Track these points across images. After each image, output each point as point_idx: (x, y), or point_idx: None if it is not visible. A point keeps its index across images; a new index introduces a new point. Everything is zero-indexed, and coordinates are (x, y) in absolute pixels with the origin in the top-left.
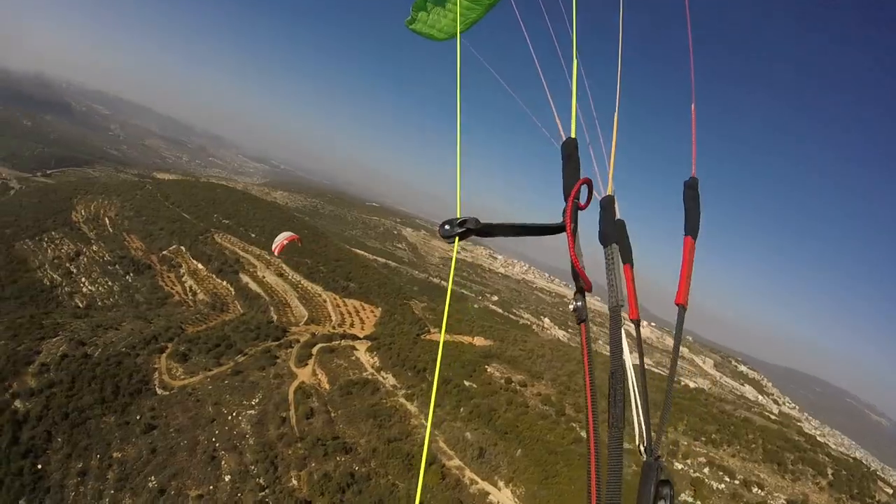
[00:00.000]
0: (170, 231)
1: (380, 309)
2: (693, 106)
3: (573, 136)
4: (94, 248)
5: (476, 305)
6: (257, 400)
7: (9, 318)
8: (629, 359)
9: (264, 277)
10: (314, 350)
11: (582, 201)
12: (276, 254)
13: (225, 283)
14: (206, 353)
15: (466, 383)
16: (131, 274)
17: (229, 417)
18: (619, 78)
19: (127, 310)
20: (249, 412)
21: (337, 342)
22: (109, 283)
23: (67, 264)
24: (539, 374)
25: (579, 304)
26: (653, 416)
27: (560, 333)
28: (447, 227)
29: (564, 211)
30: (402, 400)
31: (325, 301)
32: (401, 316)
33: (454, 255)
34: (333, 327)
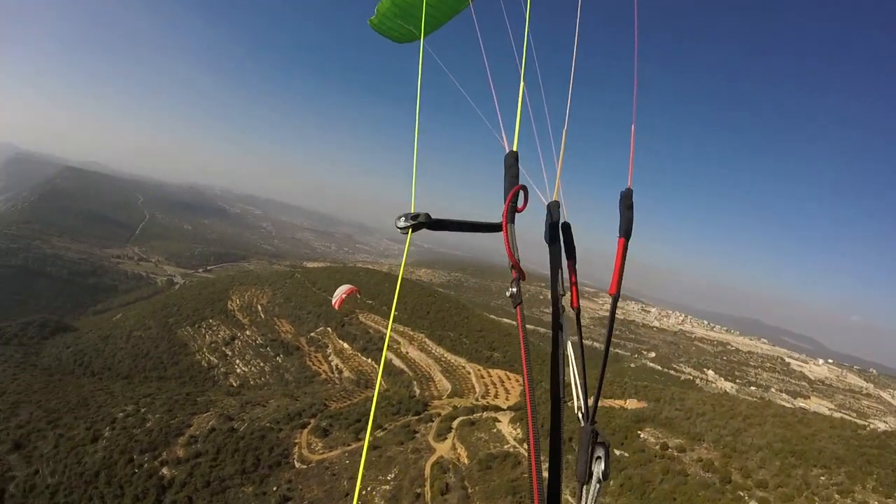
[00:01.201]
0: (317, 314)
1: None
2: (633, 125)
3: (514, 149)
4: (248, 332)
5: (633, 365)
6: (393, 475)
7: (167, 395)
8: (568, 338)
9: (408, 353)
10: (454, 423)
11: (519, 204)
12: (336, 308)
13: (370, 360)
14: (346, 428)
15: (617, 452)
16: (281, 355)
17: (363, 492)
18: (570, 95)
19: (276, 388)
20: (384, 487)
21: (479, 414)
22: (261, 364)
23: (223, 348)
24: (699, 435)
25: (514, 290)
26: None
27: (726, 385)
28: (402, 220)
29: (503, 212)
30: (545, 474)
31: (468, 373)
32: (548, 383)
33: (406, 247)
34: (476, 399)
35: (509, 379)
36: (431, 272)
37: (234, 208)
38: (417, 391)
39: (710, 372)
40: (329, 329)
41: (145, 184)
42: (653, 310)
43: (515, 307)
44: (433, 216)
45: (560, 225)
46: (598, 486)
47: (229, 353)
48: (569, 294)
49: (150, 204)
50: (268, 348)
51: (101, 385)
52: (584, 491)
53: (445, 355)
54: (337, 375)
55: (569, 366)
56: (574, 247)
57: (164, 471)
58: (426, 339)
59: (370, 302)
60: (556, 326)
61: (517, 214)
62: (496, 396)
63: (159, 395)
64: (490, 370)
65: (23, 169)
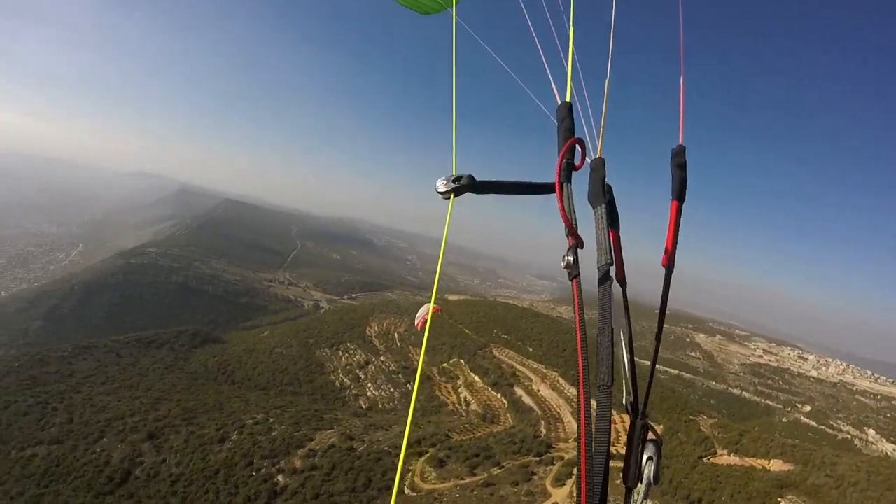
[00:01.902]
0: (451, 345)
1: (661, 426)
2: (682, 77)
3: (567, 99)
4: (382, 358)
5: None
6: None
7: (297, 409)
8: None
9: (539, 391)
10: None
11: (577, 161)
12: (418, 329)
13: (499, 395)
14: (464, 461)
15: None
16: (412, 383)
17: None
18: (612, 44)
19: (402, 414)
20: None
21: None
22: (391, 389)
23: (357, 371)
24: None
25: (570, 258)
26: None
27: (888, 448)
28: (442, 183)
29: (556, 170)
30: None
31: None
32: (685, 434)
33: (449, 212)
34: None
35: None
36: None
37: (381, 241)
38: (543, 431)
39: (871, 431)
40: (461, 361)
41: (298, 216)
42: (810, 357)
43: (572, 280)
44: (477, 179)
45: (591, 162)
46: (647, 490)
47: (362, 377)
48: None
49: (303, 234)
50: (399, 375)
51: (239, 393)
52: (632, 494)
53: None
54: (464, 408)
55: (620, 353)
56: (617, 213)
57: (280, 478)
58: (559, 379)
59: (505, 336)
60: (606, 302)
61: (574, 173)
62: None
63: (289, 408)
64: (624, 416)
65: (189, 200)
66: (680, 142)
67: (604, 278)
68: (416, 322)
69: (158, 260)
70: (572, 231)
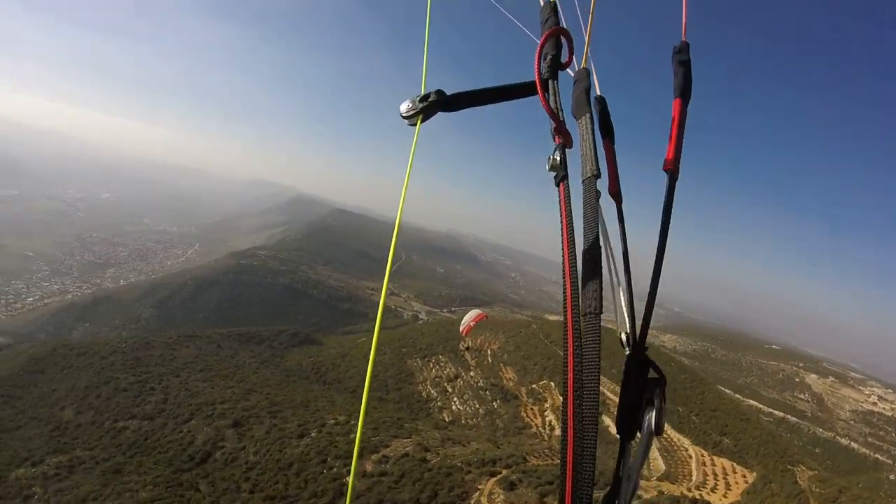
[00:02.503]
0: (543, 367)
1: (754, 474)
2: None
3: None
4: (472, 373)
5: (893, 476)
6: None
7: (380, 415)
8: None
9: None
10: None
11: (565, 58)
12: (463, 335)
13: None
14: (535, 488)
15: None
16: (498, 401)
17: None
18: None
19: (483, 432)
20: None
21: None
22: (476, 405)
23: (445, 384)
24: None
25: (557, 157)
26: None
27: None
28: (407, 105)
29: (535, 65)
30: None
31: (689, 456)
32: (778, 485)
33: (415, 139)
34: (689, 489)
35: (735, 472)
36: (677, 338)
37: (486, 257)
38: None
39: None
40: (552, 383)
41: (406, 228)
42: None
43: (558, 185)
44: (447, 93)
45: (594, 99)
46: (647, 442)
47: (449, 390)
48: (606, 176)
49: (408, 246)
50: (487, 392)
51: (327, 394)
52: (628, 447)
53: (668, 432)
54: (547, 432)
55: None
56: (611, 124)
57: (348, 479)
58: None
59: (602, 362)
60: (592, 216)
61: (561, 73)
62: (714, 490)
63: (373, 413)
64: (715, 458)
65: (301, 208)
66: (683, 38)
67: (589, 190)
68: (461, 328)
69: (268, 262)
70: (559, 127)
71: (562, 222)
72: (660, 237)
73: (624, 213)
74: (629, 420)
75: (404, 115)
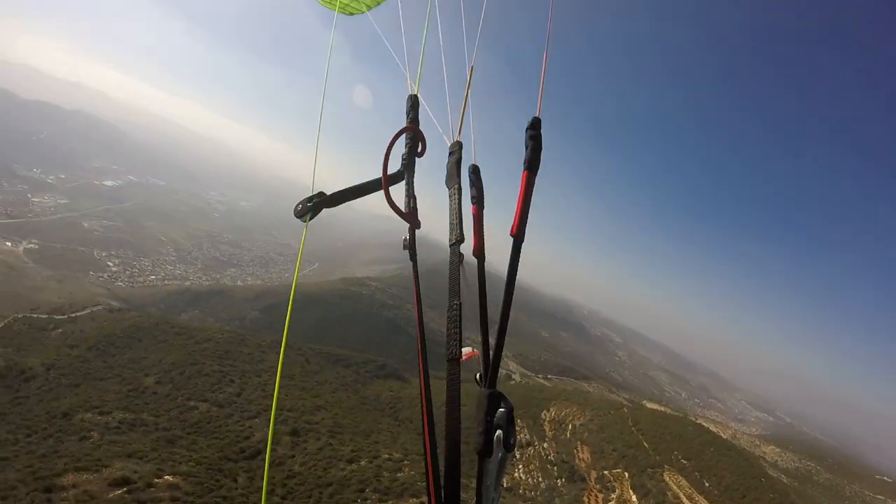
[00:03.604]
0: (622, 454)
1: None
2: (546, 53)
3: (414, 92)
4: (545, 445)
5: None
6: None
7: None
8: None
9: None
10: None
11: (421, 149)
12: (463, 360)
13: None
14: None
15: None
16: (563, 479)
17: None
18: (480, 31)
19: None
20: None
21: None
22: (540, 478)
23: (515, 449)
24: None
25: (406, 241)
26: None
27: None
28: (299, 206)
29: (383, 160)
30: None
31: None
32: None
33: (304, 233)
34: None
35: None
36: (779, 452)
37: (596, 330)
38: None
39: None
40: (626, 474)
41: (520, 287)
42: None
43: (412, 260)
44: (328, 193)
45: (468, 168)
46: (500, 458)
47: (517, 456)
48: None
49: (517, 305)
50: (555, 468)
51: (393, 429)
52: (485, 465)
53: None
54: None
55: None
56: (482, 192)
57: None
58: None
59: (685, 461)
60: (455, 279)
61: (419, 160)
62: None
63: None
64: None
65: (421, 249)
66: (537, 114)
67: (453, 254)
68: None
69: (376, 293)
70: (404, 216)
71: (414, 292)
72: (506, 290)
73: (485, 270)
74: (484, 440)
75: (297, 216)
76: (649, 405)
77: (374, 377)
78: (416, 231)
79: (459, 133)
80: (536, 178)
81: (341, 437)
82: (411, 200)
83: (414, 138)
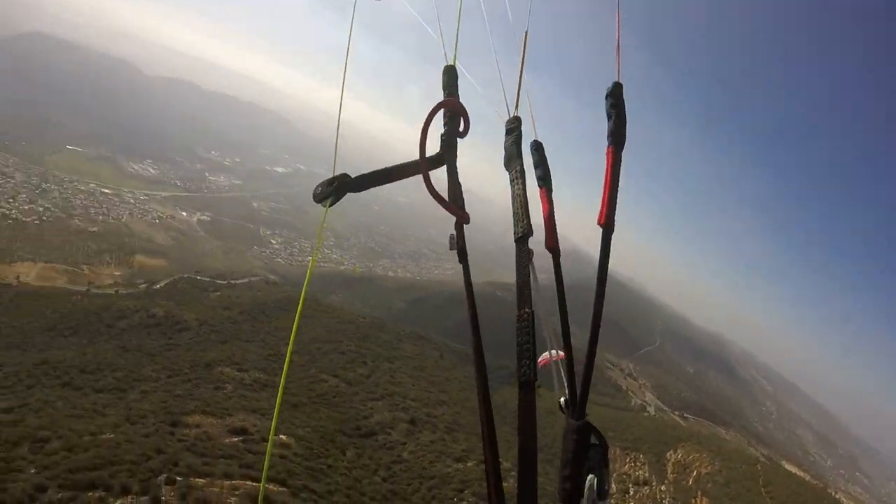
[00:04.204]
0: None
1: None
2: (618, 9)
3: (452, 63)
4: (663, 487)
5: None
6: None
7: (542, 480)
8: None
9: None
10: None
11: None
12: (539, 366)
13: None
14: None
15: None
16: None
17: None
18: None
19: None
20: None
21: None
22: None
23: (630, 484)
24: None
25: (453, 238)
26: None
27: None
28: (319, 189)
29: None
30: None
31: None
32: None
33: (323, 220)
34: None
35: None
36: None
37: (746, 373)
38: None
39: None
40: None
41: (670, 312)
42: None
43: (461, 262)
44: (352, 175)
45: (530, 145)
46: None
47: (631, 492)
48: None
49: (666, 333)
50: None
51: (511, 437)
52: None
53: None
54: None
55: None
56: (549, 171)
57: None
58: None
59: None
60: (525, 282)
61: (460, 140)
62: None
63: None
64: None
65: (573, 262)
66: (616, 79)
67: (520, 251)
68: (538, 361)
69: None
70: (451, 209)
71: (467, 300)
72: (597, 293)
73: (561, 268)
74: (572, 486)
75: (317, 201)
76: (787, 466)
77: (505, 383)
78: (466, 226)
79: (516, 107)
80: (623, 154)
81: (456, 434)
82: (457, 189)
83: (454, 115)
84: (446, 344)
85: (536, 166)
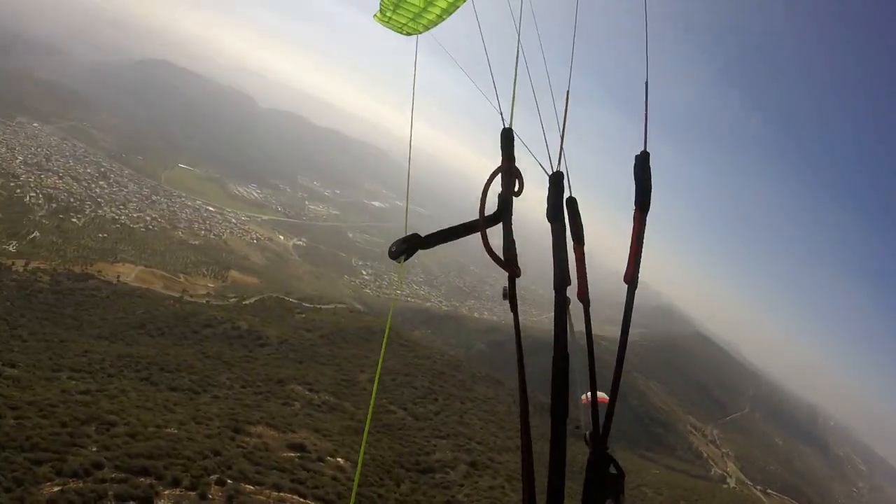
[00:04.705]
0: None
1: None
2: (647, 79)
3: (508, 125)
4: None
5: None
6: None
7: None
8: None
9: None
10: None
11: (517, 188)
12: (583, 401)
13: None
14: None
15: None
16: None
17: None
18: (573, 53)
19: None
20: None
21: None
22: None
23: None
24: None
25: (506, 289)
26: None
27: None
28: (394, 248)
29: (480, 202)
30: None
31: None
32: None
33: (401, 274)
34: None
35: None
36: None
37: (840, 450)
38: None
39: None
40: None
41: (765, 379)
42: None
43: (513, 310)
44: (422, 235)
45: (565, 201)
46: None
47: None
48: (575, 283)
49: (758, 400)
50: None
51: (579, 495)
52: None
53: None
54: None
55: (576, 380)
56: (581, 226)
57: None
58: None
59: None
60: (561, 326)
61: (516, 199)
62: None
63: None
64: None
65: (663, 319)
66: (644, 147)
67: (559, 299)
68: (580, 397)
69: (604, 353)
70: (503, 265)
71: (517, 348)
72: (620, 340)
73: (591, 316)
74: None
75: (392, 257)
76: None
77: (579, 438)
78: (517, 280)
79: (559, 163)
80: (648, 218)
81: (516, 483)
82: (511, 246)
83: (510, 176)
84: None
85: (570, 221)
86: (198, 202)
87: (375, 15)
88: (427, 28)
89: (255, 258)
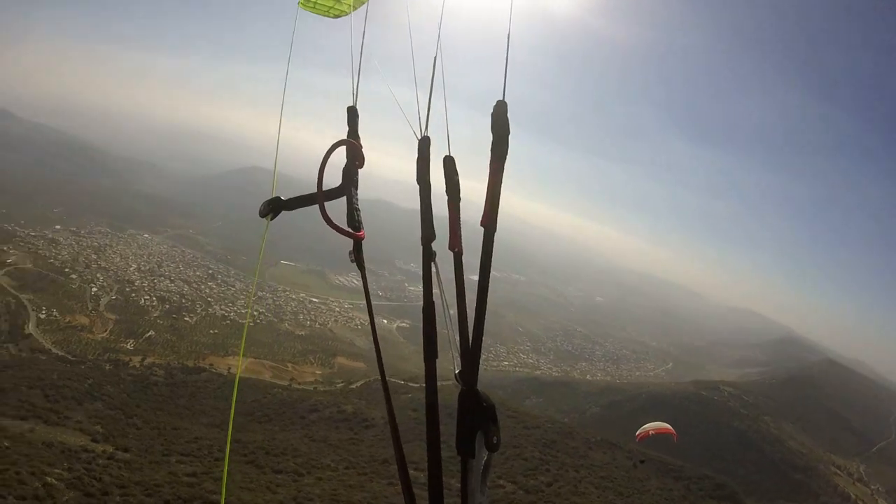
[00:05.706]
0: None
1: None
2: (509, 32)
3: (353, 104)
4: None
5: None
6: None
7: None
8: (442, 293)
9: None
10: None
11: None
12: (637, 440)
13: None
14: None
15: None
16: None
17: None
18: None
19: None
20: None
21: None
22: None
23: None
24: None
25: (351, 254)
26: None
27: None
28: (262, 208)
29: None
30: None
31: None
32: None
33: (265, 233)
34: None
35: None
36: None
37: None
38: None
39: None
40: None
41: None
42: None
43: (360, 270)
44: (283, 199)
45: (442, 159)
46: (484, 459)
47: None
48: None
49: None
50: None
51: None
52: (468, 467)
53: None
54: None
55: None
56: (456, 183)
57: None
58: None
59: None
60: (428, 278)
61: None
62: None
63: None
64: None
65: (787, 351)
66: (502, 97)
67: (426, 253)
68: (638, 433)
69: (729, 400)
70: (346, 233)
71: (364, 297)
72: (479, 284)
73: (463, 264)
74: (468, 442)
75: (261, 214)
76: None
77: (708, 497)
78: (363, 242)
79: (423, 128)
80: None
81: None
82: (356, 214)
83: (354, 150)
84: (639, 450)
85: (446, 179)
86: (301, 295)
87: (300, 3)
88: (354, 7)
89: (361, 343)
